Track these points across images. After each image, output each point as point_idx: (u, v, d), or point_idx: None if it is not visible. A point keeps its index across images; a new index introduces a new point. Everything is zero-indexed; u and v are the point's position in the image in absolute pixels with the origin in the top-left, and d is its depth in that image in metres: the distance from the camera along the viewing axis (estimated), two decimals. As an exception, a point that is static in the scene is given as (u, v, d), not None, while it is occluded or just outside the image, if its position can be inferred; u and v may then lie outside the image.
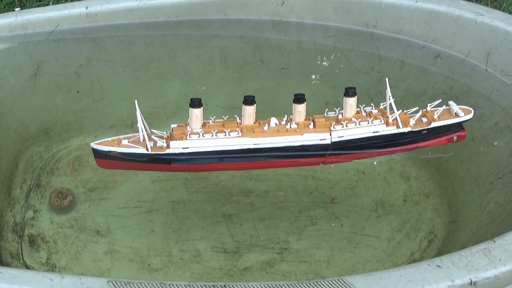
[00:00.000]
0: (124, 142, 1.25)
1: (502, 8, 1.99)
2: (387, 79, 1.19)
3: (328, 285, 0.99)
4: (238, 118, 1.26)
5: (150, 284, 0.99)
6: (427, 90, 1.49)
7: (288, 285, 0.99)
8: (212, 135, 1.22)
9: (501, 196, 1.32)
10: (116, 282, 0.99)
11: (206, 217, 1.49)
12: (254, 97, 1.23)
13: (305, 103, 1.24)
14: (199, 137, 1.22)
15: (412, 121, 1.20)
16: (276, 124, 1.26)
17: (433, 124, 1.19)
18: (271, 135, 1.23)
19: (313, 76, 1.58)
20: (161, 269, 1.40)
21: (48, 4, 1.88)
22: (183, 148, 1.22)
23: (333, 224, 1.48)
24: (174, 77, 1.60)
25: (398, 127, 1.20)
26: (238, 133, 1.22)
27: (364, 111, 1.23)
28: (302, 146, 1.24)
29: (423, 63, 1.46)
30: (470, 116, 1.22)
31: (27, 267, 1.39)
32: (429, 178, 1.55)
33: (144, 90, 1.61)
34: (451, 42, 1.41)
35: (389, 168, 1.57)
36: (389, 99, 1.20)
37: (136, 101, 1.20)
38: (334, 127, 1.20)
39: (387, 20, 1.44)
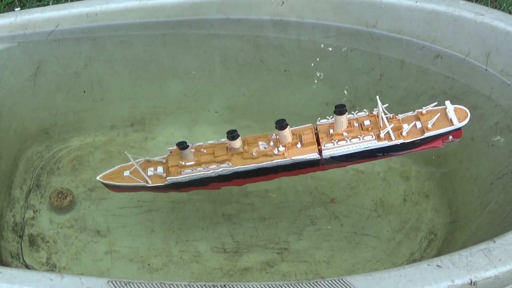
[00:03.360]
0: (126, 173, 1.33)
1: (502, 8, 1.99)
2: (377, 97, 1.17)
3: (328, 285, 0.99)
4: (228, 142, 1.29)
5: (150, 284, 0.99)
6: (427, 90, 1.49)
7: (288, 285, 0.99)
8: (204, 168, 1.28)
9: (501, 196, 1.32)
10: (116, 282, 0.99)
11: (206, 217, 1.49)
12: (236, 131, 1.25)
13: (288, 126, 1.24)
14: (192, 171, 1.28)
15: (405, 131, 1.17)
16: (264, 147, 1.27)
17: (427, 134, 1.16)
18: (260, 161, 1.26)
19: (318, 74, 1.58)
20: (161, 269, 1.40)
21: (48, 4, 1.88)
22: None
23: (329, 226, 1.48)
24: (174, 77, 1.60)
25: (390, 140, 1.17)
26: (228, 164, 1.27)
27: (357, 121, 1.21)
28: (292, 164, 1.26)
29: (423, 63, 1.46)
30: (465, 122, 1.17)
31: (27, 267, 1.40)
32: (429, 178, 1.55)
33: (144, 90, 1.61)
34: (451, 42, 1.41)
35: (388, 168, 1.57)
36: (381, 116, 1.18)
37: (129, 155, 1.30)
38: (324, 146, 1.19)
39: (387, 20, 1.43)
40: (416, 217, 1.49)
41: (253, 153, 1.26)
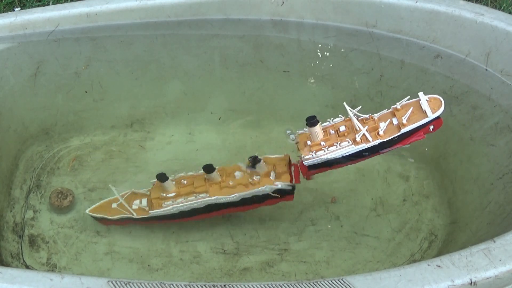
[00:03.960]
0: (114, 205, 1.42)
1: (502, 8, 1.99)
2: (344, 103, 1.18)
3: (328, 285, 0.99)
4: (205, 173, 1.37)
5: (150, 284, 0.99)
6: (427, 90, 1.48)
7: (288, 285, 0.99)
8: (184, 199, 1.36)
9: (501, 196, 1.32)
10: (116, 282, 0.99)
11: (206, 218, 1.49)
12: (211, 165, 1.34)
13: (262, 159, 1.33)
14: (173, 202, 1.36)
15: (381, 130, 1.17)
16: (240, 176, 1.35)
17: (403, 130, 1.16)
18: (236, 191, 1.34)
19: (318, 74, 1.59)
20: (161, 269, 1.40)
21: (48, 4, 1.88)
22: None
23: (329, 226, 1.48)
24: (174, 77, 1.60)
25: (367, 142, 1.18)
26: (206, 195, 1.35)
27: (333, 128, 1.21)
28: (267, 194, 1.34)
29: (423, 63, 1.46)
30: (440, 111, 1.16)
31: (27, 267, 1.40)
32: (429, 178, 1.55)
33: (144, 90, 1.61)
34: (451, 42, 1.41)
35: (388, 168, 1.57)
36: (354, 120, 1.18)
37: (114, 188, 1.40)
38: (304, 158, 1.21)
39: (387, 20, 1.44)
40: (416, 217, 1.49)
41: (230, 183, 1.34)
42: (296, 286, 0.99)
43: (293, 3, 1.45)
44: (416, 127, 1.17)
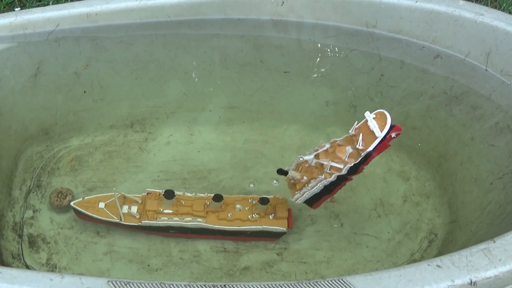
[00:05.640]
0: (101, 205, 1.43)
1: (502, 8, 1.99)
2: (298, 157, 1.25)
3: (328, 285, 0.99)
4: (207, 198, 1.43)
5: (150, 284, 0.99)
6: (427, 90, 1.49)
7: (288, 285, 0.99)
8: (180, 219, 1.41)
9: (501, 196, 1.32)
10: (116, 282, 0.99)
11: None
12: (221, 196, 1.41)
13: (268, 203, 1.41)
14: (168, 219, 1.41)
15: (346, 157, 1.19)
16: (240, 209, 1.43)
17: (363, 154, 1.17)
18: (232, 224, 1.41)
19: (318, 74, 1.59)
20: (161, 269, 1.40)
21: (48, 4, 1.88)
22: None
23: (335, 225, 1.48)
24: (174, 77, 1.60)
25: (339, 171, 1.21)
26: (203, 220, 1.40)
27: (307, 164, 1.26)
28: (261, 232, 1.42)
29: (423, 63, 1.46)
30: (387, 126, 1.14)
31: (27, 267, 1.40)
32: (429, 178, 1.55)
33: (144, 90, 1.61)
34: (451, 42, 1.41)
35: (389, 168, 1.57)
36: (313, 161, 1.25)
37: (117, 193, 1.41)
38: (293, 198, 1.33)
39: (387, 20, 1.43)
40: (416, 217, 1.49)
41: (229, 215, 1.41)
42: (296, 286, 0.99)
43: (293, 3, 1.45)
44: (374, 147, 1.16)
